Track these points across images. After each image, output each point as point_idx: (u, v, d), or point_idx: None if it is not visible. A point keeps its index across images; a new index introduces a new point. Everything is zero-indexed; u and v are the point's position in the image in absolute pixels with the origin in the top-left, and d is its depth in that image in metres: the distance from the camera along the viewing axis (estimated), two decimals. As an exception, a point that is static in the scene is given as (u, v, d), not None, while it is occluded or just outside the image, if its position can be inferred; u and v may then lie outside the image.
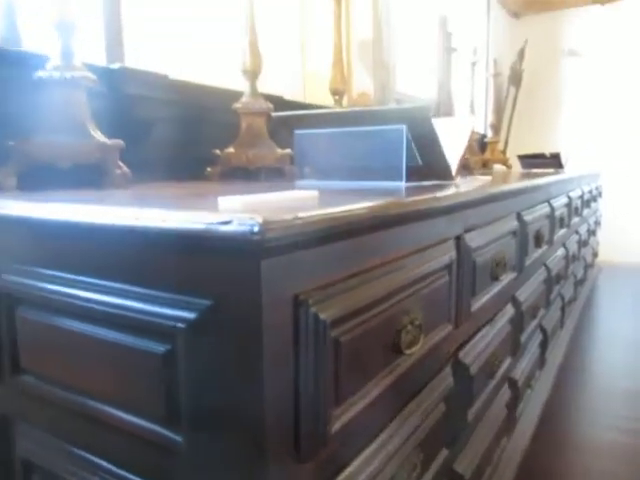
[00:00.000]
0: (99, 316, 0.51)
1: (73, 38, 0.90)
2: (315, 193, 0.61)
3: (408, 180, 0.98)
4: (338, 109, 1.56)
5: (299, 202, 0.56)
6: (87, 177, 0.90)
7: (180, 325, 0.44)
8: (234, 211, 0.45)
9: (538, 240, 1.42)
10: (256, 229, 0.38)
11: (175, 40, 1.43)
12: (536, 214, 1.39)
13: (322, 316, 0.47)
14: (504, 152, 4.10)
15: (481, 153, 3.25)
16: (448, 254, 0.77)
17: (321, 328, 0.47)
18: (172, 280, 0.46)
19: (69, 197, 0.74)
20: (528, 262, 1.33)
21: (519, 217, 1.22)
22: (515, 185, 1.13)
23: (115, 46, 1.20)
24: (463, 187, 1.00)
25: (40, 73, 0.89)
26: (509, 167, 3.36)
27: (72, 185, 0.88)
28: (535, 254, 1.41)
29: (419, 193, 0.80)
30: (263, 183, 1.19)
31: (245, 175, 1.34)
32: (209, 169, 1.30)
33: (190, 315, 0.44)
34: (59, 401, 0.57)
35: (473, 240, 0.88)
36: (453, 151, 1.12)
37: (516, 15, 4.65)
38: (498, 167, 3.39)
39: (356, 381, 0.54)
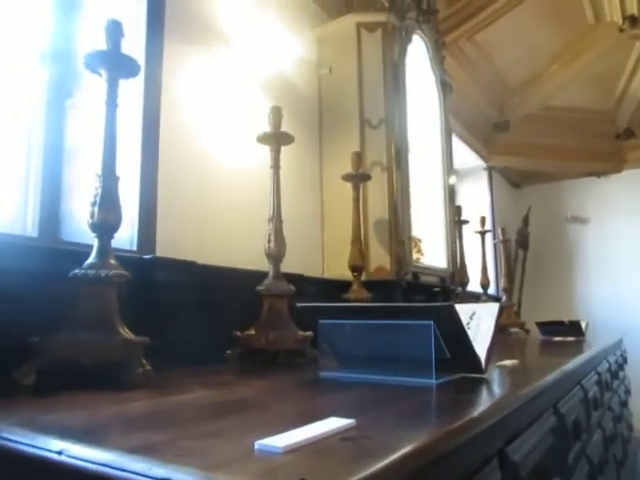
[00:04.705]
0: None
1: (111, 238, 0.94)
2: (352, 422, 0.57)
3: (436, 373, 0.94)
4: (364, 304, 1.57)
5: (338, 437, 0.52)
6: (108, 374, 0.87)
7: None
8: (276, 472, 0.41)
9: (577, 431, 1.31)
10: (307, 519, 0.33)
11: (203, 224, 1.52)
12: (571, 402, 1.31)
13: None
14: (518, 314, 4.08)
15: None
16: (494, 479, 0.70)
17: None
18: None
19: (83, 413, 0.70)
20: (570, 459, 1.21)
21: (556, 410, 1.14)
22: (551, 377, 1.07)
23: (148, 237, 1.26)
24: (497, 389, 0.96)
25: (76, 271, 0.91)
26: (526, 332, 3.30)
27: (91, 384, 0.84)
28: (575, 447, 1.30)
29: (456, 405, 0.76)
30: (285, 374, 1.15)
31: (264, 358, 1.31)
32: (229, 352, 1.27)
33: None
34: None
35: (516, 452, 0.81)
36: (481, 340, 1.09)
37: (517, 186, 4.99)
38: (515, 330, 3.33)
39: None
